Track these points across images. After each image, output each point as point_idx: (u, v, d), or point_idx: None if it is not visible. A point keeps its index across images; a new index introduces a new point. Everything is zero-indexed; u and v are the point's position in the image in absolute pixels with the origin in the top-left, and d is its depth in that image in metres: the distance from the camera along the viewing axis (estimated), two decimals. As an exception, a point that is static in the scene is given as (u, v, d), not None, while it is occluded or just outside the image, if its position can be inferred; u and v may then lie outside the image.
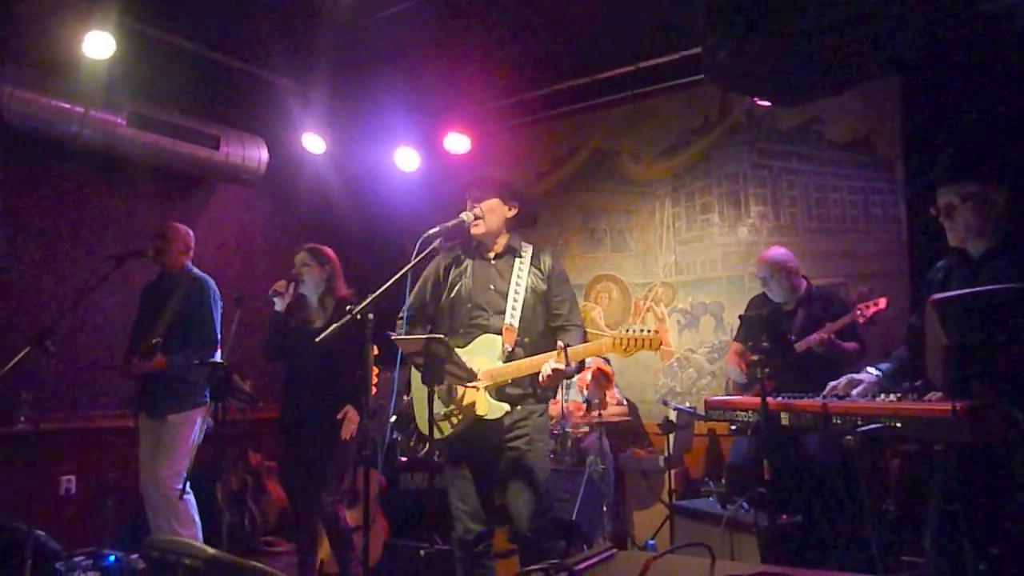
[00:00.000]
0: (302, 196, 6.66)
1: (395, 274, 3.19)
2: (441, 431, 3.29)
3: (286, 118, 6.14)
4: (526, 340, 3.28)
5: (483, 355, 3.23)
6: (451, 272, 3.45)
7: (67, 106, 4.91)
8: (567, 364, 3.01)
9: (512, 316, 3.26)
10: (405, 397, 5.32)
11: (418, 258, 3.18)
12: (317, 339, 3.19)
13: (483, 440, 3.26)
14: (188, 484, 4.09)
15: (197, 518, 4.36)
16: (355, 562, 4.11)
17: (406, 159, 6.53)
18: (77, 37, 4.66)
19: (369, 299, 3.08)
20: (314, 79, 5.96)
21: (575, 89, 6.17)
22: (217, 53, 5.50)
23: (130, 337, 4.59)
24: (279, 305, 4.23)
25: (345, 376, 4.06)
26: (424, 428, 3.34)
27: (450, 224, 3.27)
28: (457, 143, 6.35)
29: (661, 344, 2.99)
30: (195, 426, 4.38)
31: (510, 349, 3.23)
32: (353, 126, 6.56)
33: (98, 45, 4.68)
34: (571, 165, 6.64)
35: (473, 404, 3.19)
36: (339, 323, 3.13)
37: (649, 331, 2.99)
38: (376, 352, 3.65)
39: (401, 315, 3.51)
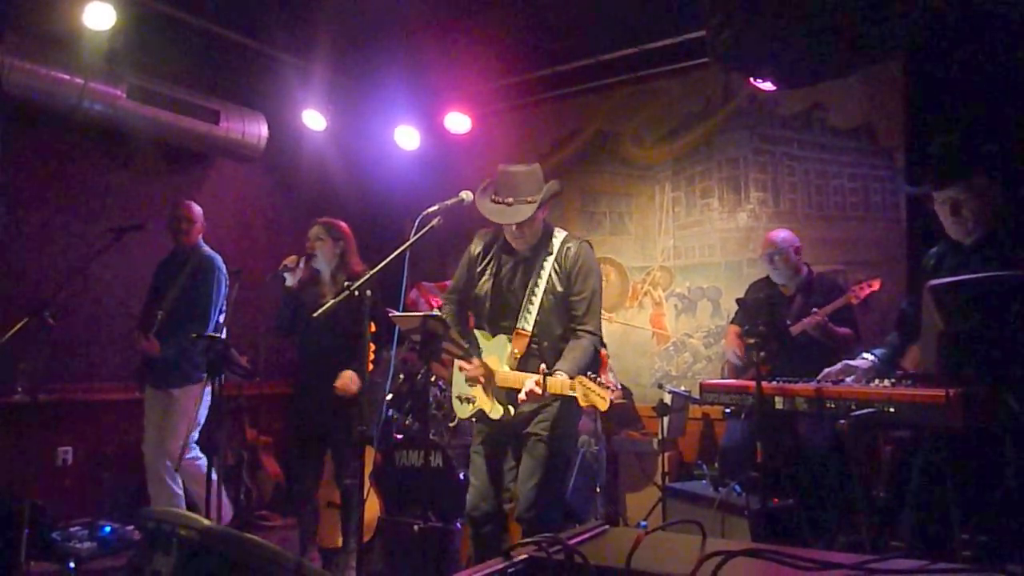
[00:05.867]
0: (302, 172, 6.63)
1: (393, 252, 3.21)
2: (461, 412, 3.45)
3: (287, 94, 6.11)
4: (544, 344, 3.24)
5: (496, 355, 3.31)
6: (479, 263, 3.45)
7: (67, 77, 4.87)
8: (544, 391, 2.98)
9: (526, 320, 3.26)
10: (400, 375, 5.35)
11: (416, 236, 3.19)
12: (314, 315, 3.21)
13: (504, 424, 3.30)
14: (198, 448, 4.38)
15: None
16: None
17: (406, 137, 6.51)
18: (78, 7, 4.63)
19: (366, 276, 3.11)
20: (315, 55, 5.91)
21: (577, 71, 6.14)
22: (218, 27, 5.46)
23: (142, 310, 4.75)
24: (290, 280, 4.20)
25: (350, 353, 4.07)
26: (455, 404, 3.53)
27: (449, 202, 3.27)
28: (458, 123, 6.33)
29: (609, 406, 2.84)
30: (196, 398, 4.51)
31: (518, 354, 3.23)
32: (354, 103, 6.53)
33: (99, 16, 4.65)
34: (572, 147, 6.62)
35: (481, 399, 3.32)
36: (336, 299, 3.15)
37: (609, 388, 2.83)
38: (373, 329, 3.67)
39: (448, 296, 3.58)
